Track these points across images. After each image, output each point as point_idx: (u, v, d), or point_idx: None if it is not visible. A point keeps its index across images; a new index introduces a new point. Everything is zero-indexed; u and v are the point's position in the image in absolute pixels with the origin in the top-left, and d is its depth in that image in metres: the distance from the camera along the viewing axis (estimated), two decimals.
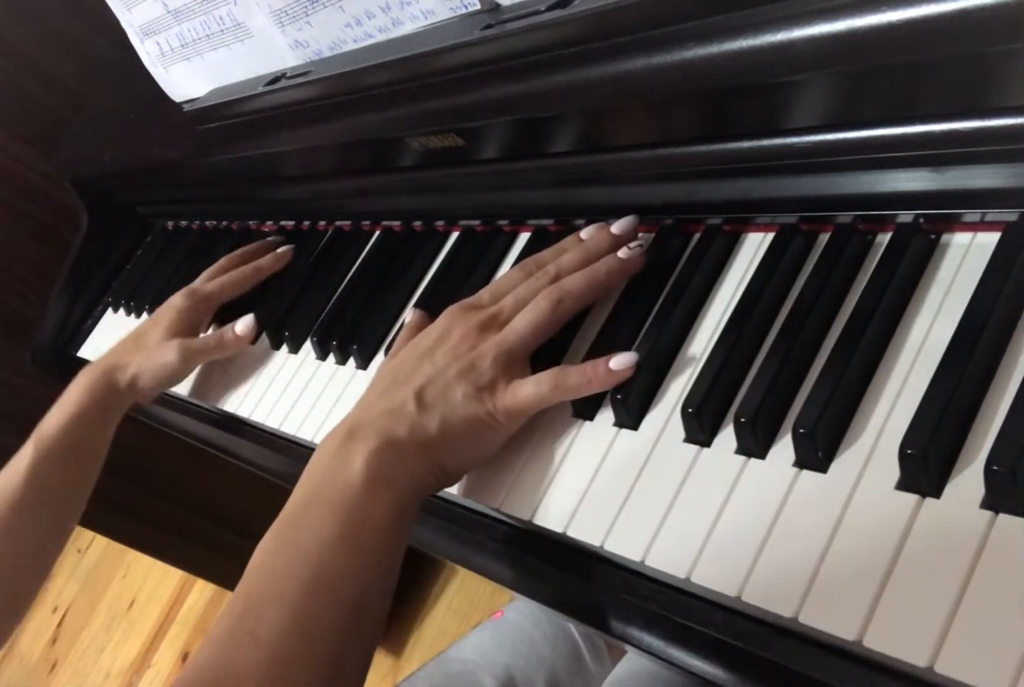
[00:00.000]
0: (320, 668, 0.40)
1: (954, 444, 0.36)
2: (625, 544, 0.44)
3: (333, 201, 0.80)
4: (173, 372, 0.72)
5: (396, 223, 0.73)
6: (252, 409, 0.71)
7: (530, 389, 0.47)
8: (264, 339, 0.74)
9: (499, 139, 0.58)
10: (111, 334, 0.99)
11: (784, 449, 0.41)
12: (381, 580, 0.44)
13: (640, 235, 0.55)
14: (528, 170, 0.59)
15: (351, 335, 0.66)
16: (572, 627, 0.79)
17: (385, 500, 0.45)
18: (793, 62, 0.39)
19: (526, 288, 0.52)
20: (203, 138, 0.76)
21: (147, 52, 0.77)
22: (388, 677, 1.47)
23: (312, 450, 0.65)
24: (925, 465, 0.36)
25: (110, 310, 1.01)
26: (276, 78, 0.66)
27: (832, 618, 0.36)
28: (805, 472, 0.40)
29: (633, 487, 0.45)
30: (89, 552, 2.25)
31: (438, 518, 0.56)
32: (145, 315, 0.93)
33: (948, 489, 0.36)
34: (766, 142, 0.45)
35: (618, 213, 0.56)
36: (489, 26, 0.50)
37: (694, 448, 0.44)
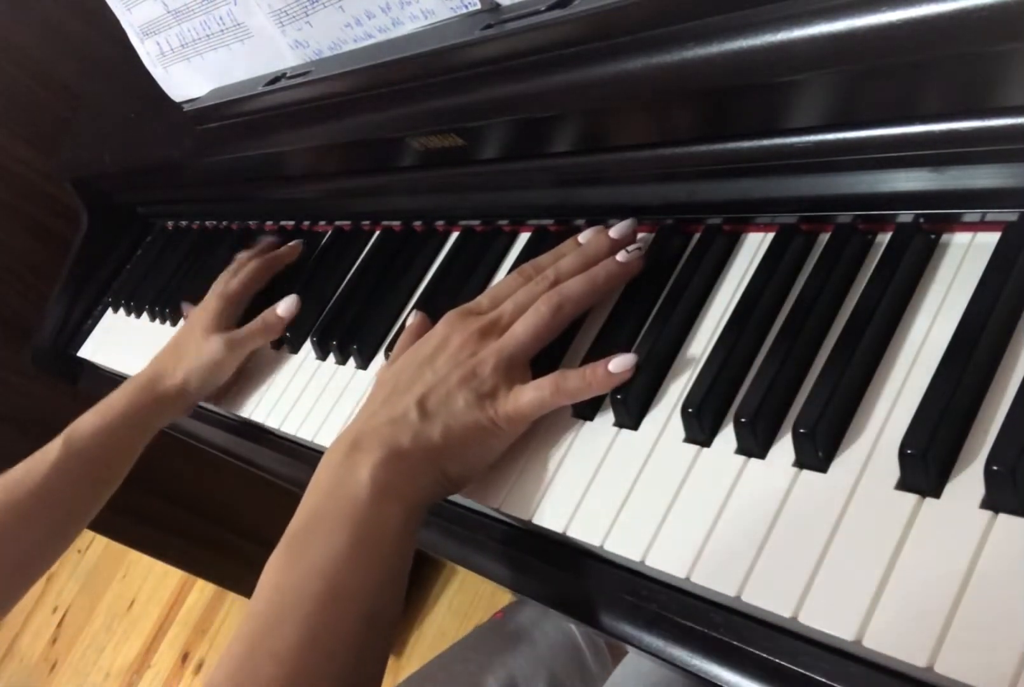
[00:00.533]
0: (340, 680, 0.41)
1: (954, 444, 0.36)
2: (625, 544, 0.43)
3: (333, 201, 0.80)
4: (220, 365, 0.71)
5: (396, 223, 0.73)
6: (252, 409, 0.71)
7: (531, 395, 0.47)
8: None
9: (499, 139, 0.58)
10: (111, 334, 0.99)
11: (784, 449, 0.41)
12: (393, 588, 0.45)
13: (640, 236, 0.55)
14: (528, 170, 0.59)
15: (351, 335, 0.66)
16: (573, 627, 0.79)
17: (393, 511, 0.45)
18: (793, 62, 0.39)
19: (525, 293, 0.52)
20: (203, 138, 0.76)
21: (147, 52, 0.77)
22: (388, 677, 1.46)
23: (311, 450, 0.65)
24: (925, 465, 0.36)
25: (110, 310, 1.01)
26: (276, 78, 0.66)
27: (832, 618, 0.36)
28: (805, 472, 0.40)
29: (633, 487, 0.45)
30: (89, 552, 2.26)
31: (438, 518, 0.56)
32: (145, 315, 0.93)
33: (948, 489, 0.36)
34: (766, 142, 0.45)
35: (618, 213, 0.56)
36: (489, 26, 0.50)
37: (694, 448, 0.44)
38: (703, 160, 0.49)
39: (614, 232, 0.53)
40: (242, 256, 0.80)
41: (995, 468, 0.34)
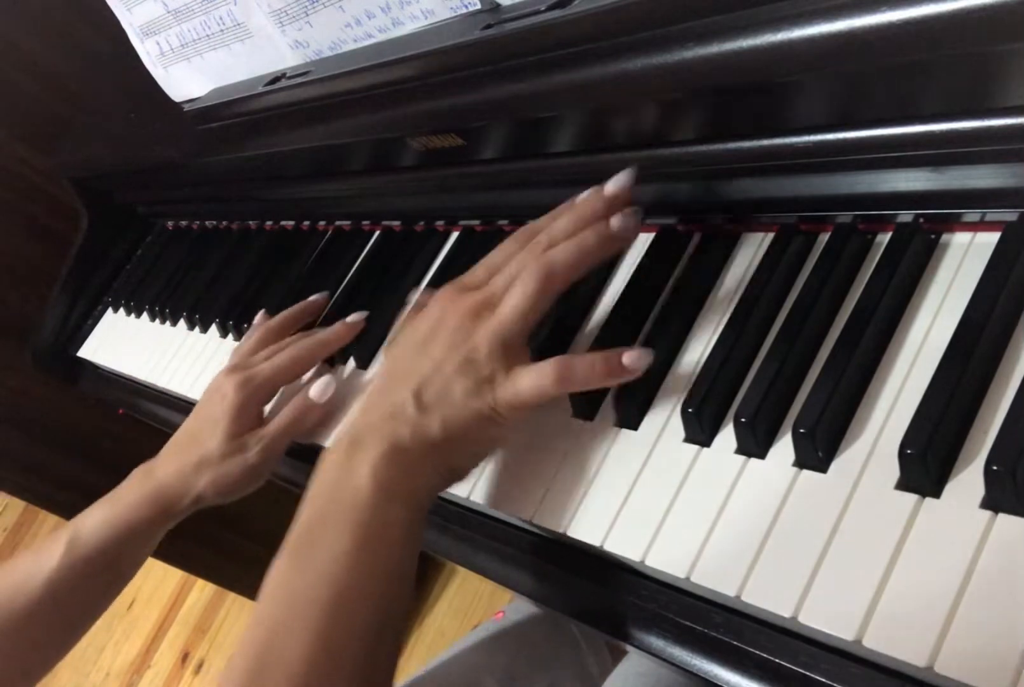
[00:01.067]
0: (354, 685, 0.40)
1: (954, 444, 0.36)
2: (625, 544, 0.43)
3: (333, 201, 0.80)
4: (256, 474, 0.62)
5: (396, 223, 0.73)
6: None
7: (531, 381, 0.45)
8: None
9: (499, 139, 0.58)
10: (111, 334, 0.99)
11: (784, 449, 0.41)
12: (400, 588, 0.44)
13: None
14: (528, 170, 0.59)
15: None
16: (573, 627, 0.79)
17: (397, 510, 0.44)
18: (793, 62, 0.39)
19: (518, 263, 0.48)
20: (203, 138, 0.76)
21: (147, 52, 0.77)
22: None
23: (311, 450, 0.65)
24: (925, 465, 0.36)
25: (110, 310, 1.01)
26: (276, 78, 0.66)
27: (832, 618, 0.36)
28: (805, 472, 0.40)
29: (633, 487, 0.45)
30: None
31: (438, 517, 0.56)
32: (145, 315, 0.93)
33: (948, 489, 0.36)
34: (766, 142, 0.45)
35: None
36: (489, 26, 0.50)
37: (694, 448, 0.44)
38: (703, 160, 0.49)
39: (609, 186, 0.49)
40: (271, 324, 0.68)
41: (995, 468, 0.34)
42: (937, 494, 0.36)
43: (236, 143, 0.74)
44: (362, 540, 0.43)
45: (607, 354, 0.45)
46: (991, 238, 0.41)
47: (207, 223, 0.96)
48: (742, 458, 0.42)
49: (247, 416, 0.62)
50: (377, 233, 0.74)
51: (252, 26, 0.66)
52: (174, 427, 0.79)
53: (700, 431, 0.44)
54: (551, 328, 0.54)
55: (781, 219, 0.49)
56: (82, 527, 0.61)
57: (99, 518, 0.62)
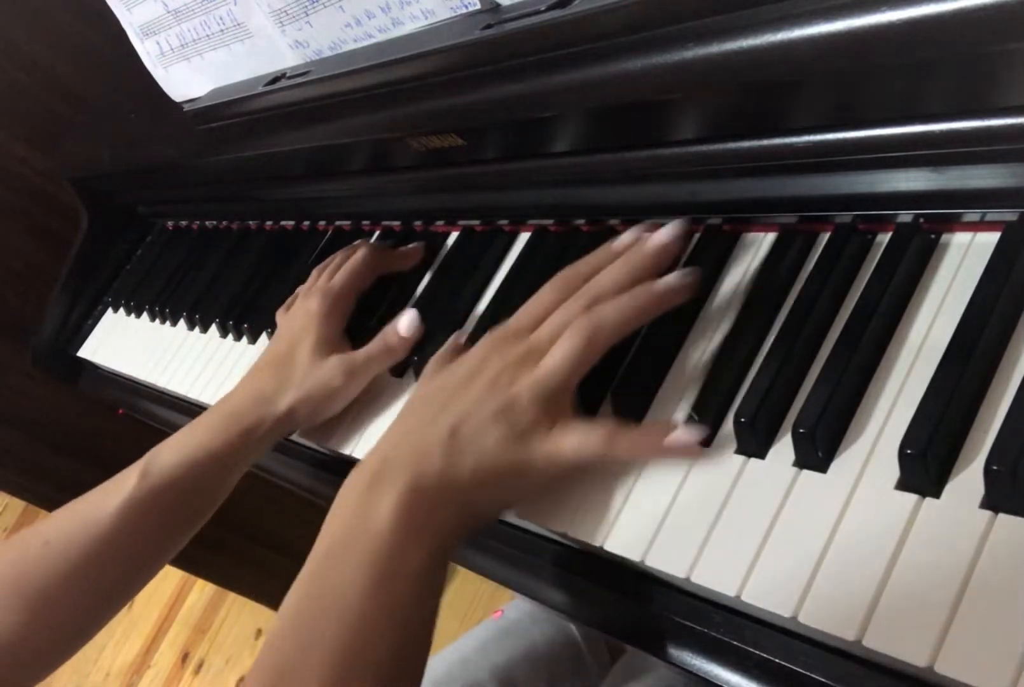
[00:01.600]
0: None
1: (954, 444, 0.36)
2: (624, 544, 0.43)
3: (333, 201, 0.80)
4: (336, 395, 0.60)
5: (396, 223, 0.73)
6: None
7: (575, 442, 0.43)
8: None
9: (499, 139, 0.58)
10: (111, 334, 0.99)
11: (784, 449, 0.41)
12: (420, 629, 0.42)
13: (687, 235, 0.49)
14: (528, 170, 0.59)
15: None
16: (572, 626, 0.79)
17: (416, 551, 0.42)
18: (793, 62, 0.39)
19: (562, 315, 0.47)
20: (203, 138, 0.76)
21: (147, 52, 0.77)
22: None
23: (310, 449, 0.65)
24: (925, 465, 0.36)
25: (110, 310, 1.01)
26: (276, 78, 0.66)
27: (831, 618, 0.36)
28: (805, 472, 0.40)
29: (632, 488, 0.45)
30: None
31: None
32: (145, 315, 0.93)
33: (948, 489, 0.36)
34: (766, 142, 0.45)
35: (618, 213, 0.56)
36: (489, 26, 0.50)
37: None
38: (703, 160, 0.49)
39: (659, 237, 0.47)
40: (338, 254, 0.69)
41: (995, 468, 0.34)
42: (937, 494, 0.36)
43: (236, 143, 0.74)
44: (379, 579, 0.41)
45: (660, 428, 0.43)
46: (991, 238, 0.41)
47: (207, 223, 0.96)
48: (742, 458, 0.42)
49: (334, 329, 0.61)
50: (377, 233, 0.74)
51: (252, 26, 0.66)
52: (174, 427, 0.79)
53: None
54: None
55: (781, 219, 0.49)
56: (158, 457, 0.58)
57: (174, 445, 0.59)
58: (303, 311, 0.62)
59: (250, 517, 1.38)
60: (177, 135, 0.79)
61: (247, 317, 0.77)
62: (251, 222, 0.89)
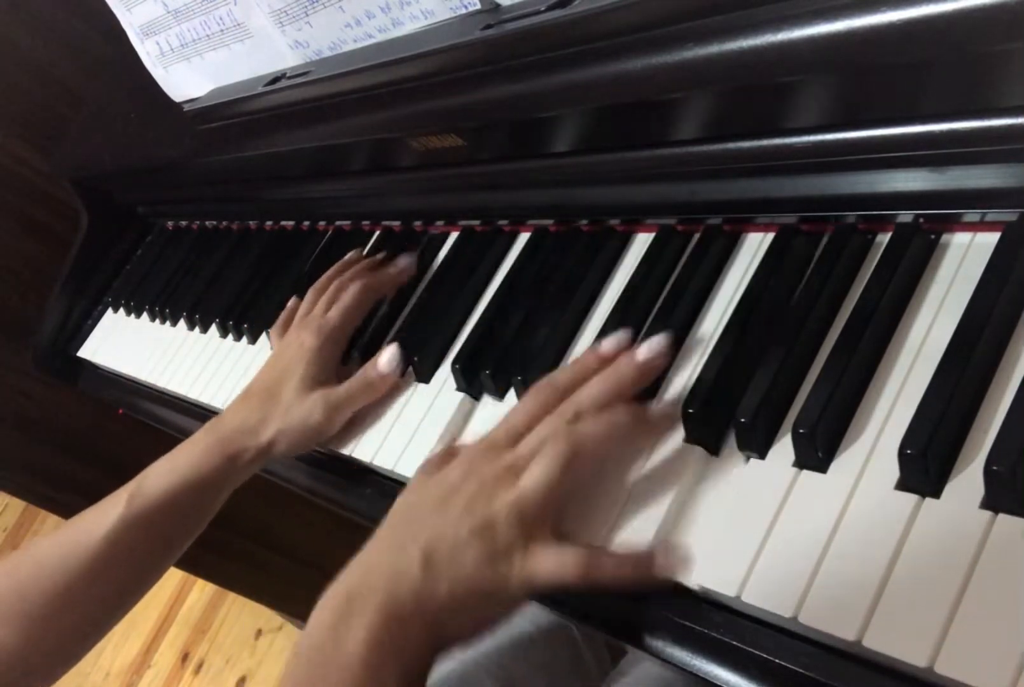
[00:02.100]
0: None
1: (954, 444, 0.36)
2: (623, 545, 0.43)
3: (333, 201, 0.80)
4: (317, 432, 0.61)
5: (396, 223, 0.73)
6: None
7: (551, 566, 0.42)
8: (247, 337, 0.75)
9: (499, 139, 0.58)
10: (111, 334, 0.99)
11: (784, 449, 0.41)
12: None
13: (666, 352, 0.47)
14: (528, 170, 0.59)
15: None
16: (572, 627, 0.79)
17: (389, 682, 0.41)
18: (793, 62, 0.39)
19: (545, 430, 0.46)
20: (203, 138, 0.76)
21: (147, 52, 0.77)
22: None
23: (310, 452, 0.65)
24: (925, 465, 0.36)
25: (110, 310, 1.01)
26: (276, 78, 0.66)
27: (832, 618, 0.36)
28: (805, 472, 0.40)
29: (632, 488, 0.45)
30: None
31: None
32: (145, 315, 0.93)
33: (948, 489, 0.36)
34: (766, 142, 0.45)
35: (618, 213, 0.56)
36: (489, 26, 0.50)
37: (693, 448, 0.44)
38: (703, 160, 0.49)
39: (643, 352, 0.47)
40: (329, 274, 0.70)
41: (995, 468, 0.34)
42: (937, 494, 0.36)
43: (236, 143, 0.74)
44: None
45: (640, 557, 0.42)
46: (991, 238, 0.41)
47: (207, 223, 0.96)
48: (741, 458, 0.42)
49: (324, 362, 0.63)
50: (377, 233, 0.74)
51: (252, 26, 0.66)
52: (174, 427, 0.79)
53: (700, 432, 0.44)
54: (550, 329, 0.54)
55: (781, 219, 0.49)
56: (145, 479, 0.60)
57: (162, 470, 0.60)
58: (297, 344, 0.64)
59: (250, 518, 1.38)
60: (177, 135, 0.79)
61: (247, 317, 0.77)
62: (251, 222, 0.89)
